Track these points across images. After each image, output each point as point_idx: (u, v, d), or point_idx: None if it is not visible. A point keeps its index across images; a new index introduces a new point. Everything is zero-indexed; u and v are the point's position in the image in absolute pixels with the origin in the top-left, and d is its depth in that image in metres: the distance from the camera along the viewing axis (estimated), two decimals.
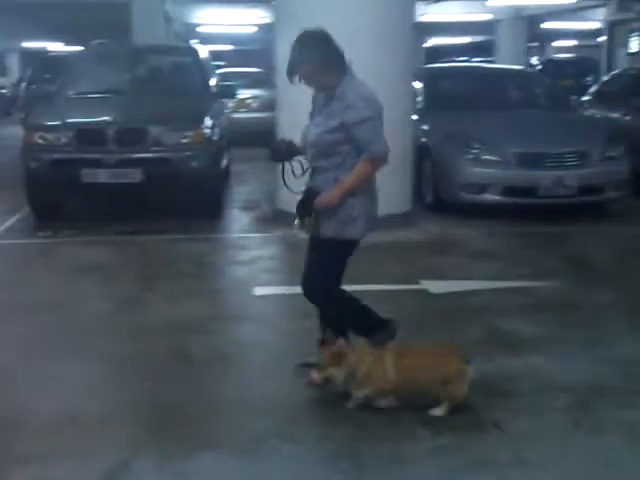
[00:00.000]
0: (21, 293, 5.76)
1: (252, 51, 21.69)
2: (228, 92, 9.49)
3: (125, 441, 3.51)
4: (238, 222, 8.32)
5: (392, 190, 7.53)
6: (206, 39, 21.02)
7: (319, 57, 3.71)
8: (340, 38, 7.21)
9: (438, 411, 3.62)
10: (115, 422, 3.70)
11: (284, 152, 3.98)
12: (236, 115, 12.65)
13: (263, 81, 15.23)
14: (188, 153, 7.76)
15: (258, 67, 17.56)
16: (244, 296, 5.64)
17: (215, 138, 8.30)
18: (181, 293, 5.70)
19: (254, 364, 4.48)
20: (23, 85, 17.62)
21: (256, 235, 7.60)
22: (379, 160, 3.75)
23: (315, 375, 3.64)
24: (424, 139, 8.61)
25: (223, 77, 11.90)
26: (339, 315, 4.02)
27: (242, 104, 13.34)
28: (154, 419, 3.74)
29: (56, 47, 29.91)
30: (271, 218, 8.04)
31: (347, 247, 3.87)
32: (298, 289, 5.56)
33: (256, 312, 5.37)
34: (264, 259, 6.74)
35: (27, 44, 34.79)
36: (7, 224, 8.19)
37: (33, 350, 4.61)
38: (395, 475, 3.24)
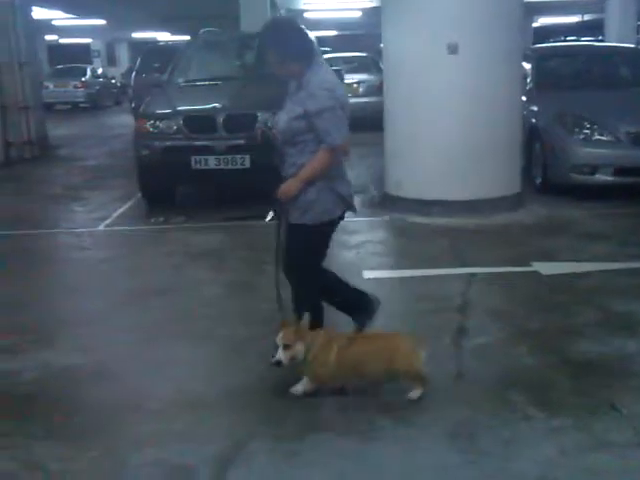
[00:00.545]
0: (136, 279, 5.98)
1: (356, 36, 21.66)
2: None
3: (239, 423, 3.59)
4: None
5: (501, 172, 7.48)
6: (312, 25, 21.13)
7: (286, 45, 3.74)
8: (449, 19, 7.21)
9: (415, 394, 3.63)
10: (229, 405, 3.79)
11: (259, 140, 4.15)
12: None
13: (369, 66, 15.24)
14: None
15: (362, 52, 17.55)
16: (354, 279, 5.63)
17: None
18: None
19: None
20: (133, 75, 18.23)
21: (364, 219, 7.62)
22: (336, 150, 3.76)
23: (282, 355, 3.66)
24: (534, 120, 8.48)
25: (328, 63, 11.97)
26: (309, 293, 4.05)
27: (348, 89, 13.38)
28: (266, 402, 3.80)
29: (164, 37, 30.79)
30: (379, 202, 8.07)
31: (312, 232, 3.88)
32: (408, 273, 5.67)
33: None
34: (372, 243, 6.77)
35: (136, 35, 36.04)
36: (120, 211, 8.53)
37: (149, 335, 4.77)
38: (513, 456, 3.22)
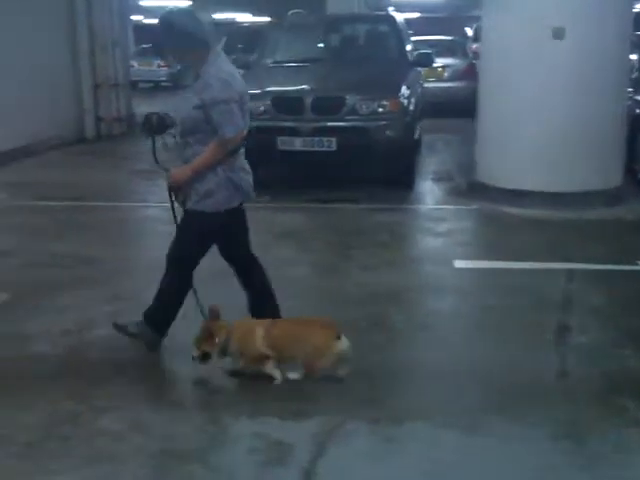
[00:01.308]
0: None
1: (440, 19, 21.35)
2: (425, 60, 9.37)
3: (336, 403, 3.59)
4: (431, 193, 8.27)
5: (602, 164, 7.20)
6: (396, 7, 20.88)
7: (183, 36, 3.78)
8: (554, 1, 6.95)
9: (294, 375, 3.72)
10: (325, 385, 3.77)
11: (155, 125, 3.97)
12: (425, 84, 12.53)
13: (454, 50, 14.97)
14: (383, 122, 7.78)
15: (446, 35, 17.24)
16: (443, 268, 5.59)
17: (411, 107, 8.25)
18: (378, 262, 5.74)
19: (456, 336, 4.45)
20: None
21: (451, 207, 7.50)
22: (228, 143, 3.77)
23: (194, 352, 3.75)
24: (638, 110, 8.13)
25: (413, 45, 11.81)
26: (167, 287, 4.08)
27: (433, 73, 13.18)
28: (363, 385, 3.78)
29: (245, 18, 30.95)
30: (466, 190, 7.92)
31: (208, 220, 3.90)
32: (501, 264, 5.52)
33: (456, 285, 5.32)
34: (461, 232, 6.66)
35: (217, 16, 36.35)
36: None
37: (235, 313, 4.76)
38: (626, 463, 3.11)
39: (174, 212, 4.04)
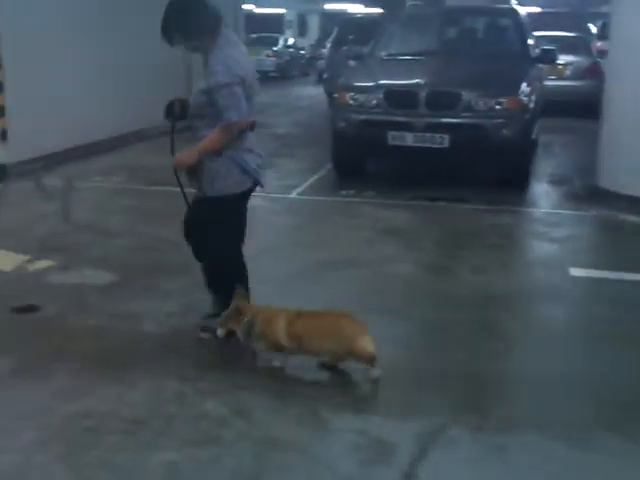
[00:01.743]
0: (325, 248, 6.07)
1: (561, 14, 20.73)
2: (548, 57, 9.13)
3: (439, 407, 3.56)
4: (547, 197, 8.07)
5: None
6: (518, 0, 20.37)
7: (191, 21, 3.83)
8: None
9: (374, 373, 3.73)
10: (427, 386, 3.77)
11: (176, 112, 4.07)
12: (545, 82, 12.25)
13: (577, 47, 14.53)
14: (500, 120, 7.65)
15: (568, 31, 16.73)
16: (558, 275, 5.45)
17: (530, 106, 8.06)
18: (489, 265, 5.65)
19: (569, 346, 4.34)
20: (328, 46, 18.45)
21: (568, 212, 7.31)
22: (232, 127, 3.83)
23: (219, 331, 3.86)
24: None
25: (534, 41, 11.54)
26: (213, 268, 4.19)
27: (553, 70, 12.84)
28: (467, 389, 3.75)
29: (356, 9, 30.99)
30: (585, 195, 7.69)
31: (222, 203, 3.97)
32: (617, 274, 5.34)
33: (571, 293, 5.19)
34: (579, 238, 6.48)
35: (328, 6, 36.57)
36: (310, 180, 8.70)
37: (342, 305, 4.77)
38: None
39: (184, 193, 4.18)
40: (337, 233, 6.57)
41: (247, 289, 4.15)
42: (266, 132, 12.95)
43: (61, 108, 9.29)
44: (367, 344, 3.73)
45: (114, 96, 10.62)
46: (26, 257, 5.63)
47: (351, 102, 8.22)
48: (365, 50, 9.66)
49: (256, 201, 7.74)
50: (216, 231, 4.04)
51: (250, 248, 6.18)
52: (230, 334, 3.90)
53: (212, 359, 4.02)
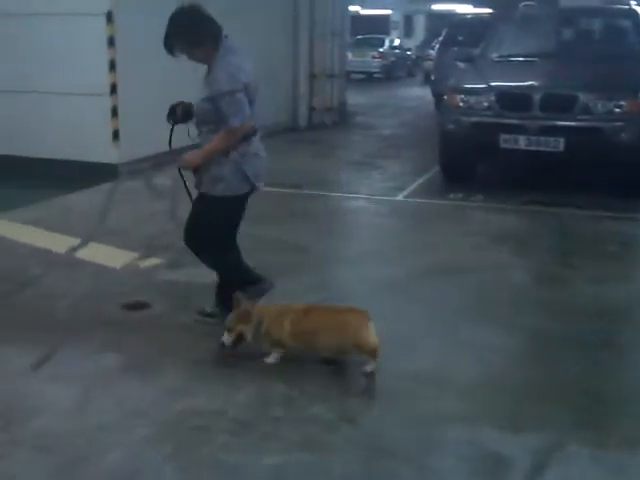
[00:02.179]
0: (433, 253, 5.99)
1: None
2: None
3: (556, 421, 3.45)
4: None
5: None
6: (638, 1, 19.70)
7: (192, 33, 4.07)
8: None
9: (370, 367, 3.78)
10: (542, 399, 3.66)
11: (179, 115, 4.32)
12: None
13: None
14: (619, 124, 7.38)
15: None
16: None
17: None
18: (607, 274, 5.45)
19: None
20: (435, 47, 18.30)
21: None
22: (236, 132, 4.05)
23: (226, 337, 3.91)
24: None
25: None
26: (215, 264, 4.44)
27: None
28: (586, 404, 3.62)
29: (465, 9, 30.63)
30: None
31: (222, 203, 4.21)
32: None
33: None
34: None
35: (436, 6, 36.33)
36: (417, 182, 8.64)
37: (448, 312, 4.77)
38: None
39: (188, 190, 4.40)
40: (444, 238, 6.47)
41: (256, 282, 4.40)
42: (372, 133, 13.01)
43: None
44: (372, 337, 3.77)
45: None
46: (135, 255, 5.79)
47: (461, 104, 8.11)
48: (475, 52, 9.52)
49: (361, 202, 7.84)
50: (213, 227, 4.29)
51: (353, 250, 6.25)
52: (239, 339, 3.94)
53: (319, 364, 4.00)
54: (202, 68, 4.23)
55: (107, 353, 4.06)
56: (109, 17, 8.32)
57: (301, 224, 6.90)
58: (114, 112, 8.60)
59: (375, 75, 26.10)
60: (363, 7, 32.30)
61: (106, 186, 8.19)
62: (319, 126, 13.43)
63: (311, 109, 13.54)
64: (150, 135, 9.03)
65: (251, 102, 4.11)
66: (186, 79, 9.73)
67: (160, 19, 4.32)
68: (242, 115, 4.05)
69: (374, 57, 25.80)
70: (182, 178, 4.42)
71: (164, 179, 8.52)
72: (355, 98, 17.49)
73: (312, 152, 10.94)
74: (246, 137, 4.14)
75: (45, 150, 8.59)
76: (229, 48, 4.15)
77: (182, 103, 4.35)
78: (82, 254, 5.83)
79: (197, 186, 4.32)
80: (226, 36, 4.18)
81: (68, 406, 3.52)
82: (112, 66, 8.46)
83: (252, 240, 6.25)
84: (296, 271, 5.46)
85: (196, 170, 4.24)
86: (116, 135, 8.66)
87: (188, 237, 4.39)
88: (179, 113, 4.34)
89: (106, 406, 3.52)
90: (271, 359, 3.94)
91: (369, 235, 6.80)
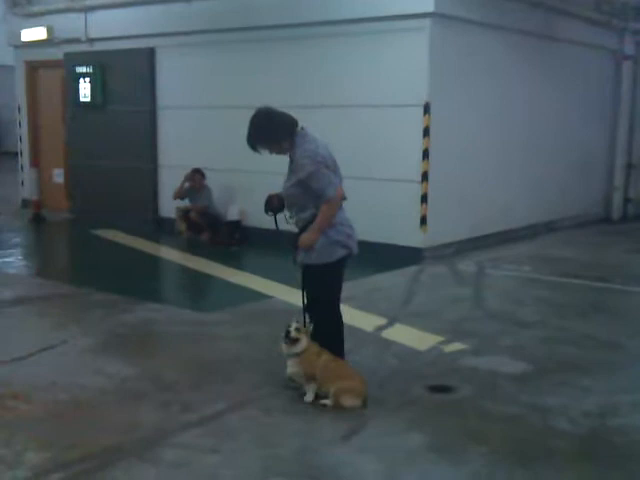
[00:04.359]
0: None
1: None
2: None
3: None
4: None
5: None
6: None
7: (270, 132, 4.71)
8: None
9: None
10: None
11: (276, 205, 4.92)
12: None
13: None
14: None
15: None
16: None
17: None
18: None
19: None
20: None
21: None
22: (333, 201, 4.65)
23: (293, 331, 4.67)
24: None
25: None
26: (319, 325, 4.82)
27: None
28: None
29: None
30: None
31: (317, 269, 4.75)
32: None
33: None
34: None
35: None
36: None
37: None
38: None
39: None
40: None
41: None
42: None
43: (476, 195, 9.79)
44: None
45: (531, 186, 10.89)
46: (440, 338, 5.96)
47: None
48: None
49: None
50: (316, 291, 4.82)
51: None
52: (294, 340, 4.61)
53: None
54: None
55: (412, 432, 4.21)
56: (426, 109, 8.84)
57: (612, 320, 6.66)
58: (424, 199, 9.00)
59: None
60: None
61: (412, 269, 8.55)
62: (634, 218, 12.98)
63: (626, 200, 13.14)
64: (454, 221, 9.36)
65: (337, 175, 4.73)
66: (492, 162, 10.01)
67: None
68: (333, 185, 4.65)
69: None
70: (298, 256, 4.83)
71: (466, 265, 8.73)
72: None
73: (625, 246, 10.52)
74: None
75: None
76: (304, 137, 4.72)
77: (276, 195, 4.93)
78: (388, 334, 6.13)
79: (294, 261, 4.85)
80: (302, 128, 4.76)
81: (374, 478, 3.71)
82: (425, 155, 8.93)
83: (554, 331, 6.20)
84: (604, 369, 5.29)
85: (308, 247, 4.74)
86: (423, 220, 9.03)
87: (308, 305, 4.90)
88: (276, 203, 4.92)
89: None
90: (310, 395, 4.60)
91: None
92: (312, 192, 4.63)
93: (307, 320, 4.84)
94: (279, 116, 4.78)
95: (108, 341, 5.85)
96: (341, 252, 4.77)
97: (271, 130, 4.72)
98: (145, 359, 5.46)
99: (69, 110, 12.50)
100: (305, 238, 4.72)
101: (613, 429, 4.29)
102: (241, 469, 3.76)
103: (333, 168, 4.73)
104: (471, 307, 7.03)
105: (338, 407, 4.50)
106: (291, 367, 4.68)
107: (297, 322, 4.72)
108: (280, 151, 4.80)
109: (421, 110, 8.84)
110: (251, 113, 4.79)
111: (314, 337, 4.72)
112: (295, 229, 4.84)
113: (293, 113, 4.80)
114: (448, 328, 6.25)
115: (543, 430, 4.28)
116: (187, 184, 10.63)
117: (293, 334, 4.63)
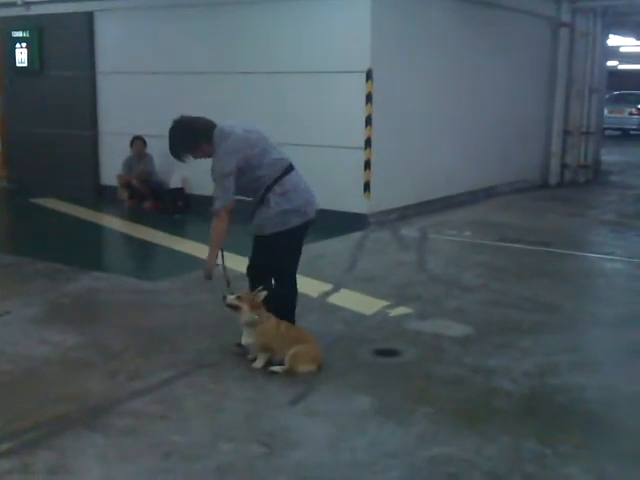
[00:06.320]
0: None
1: None
2: None
3: None
4: None
5: None
6: None
7: (190, 140, 4.71)
8: None
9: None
10: None
11: None
12: None
13: None
14: None
15: None
16: None
17: None
18: None
19: None
20: None
21: None
22: (218, 214, 4.67)
23: (230, 298, 4.67)
24: None
25: None
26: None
27: None
28: None
29: None
30: None
31: (272, 239, 4.74)
32: None
33: None
34: None
35: None
36: None
37: None
38: None
39: (227, 277, 4.80)
40: None
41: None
42: (629, 193, 12.55)
43: (419, 162, 9.87)
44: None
45: (473, 152, 11.01)
46: (385, 303, 6.03)
47: None
48: None
49: (617, 265, 7.58)
50: (275, 263, 4.80)
51: (609, 313, 6.05)
52: (234, 307, 4.61)
53: (572, 423, 3.96)
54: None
55: (360, 395, 4.27)
56: (369, 75, 8.83)
57: (550, 283, 6.81)
58: (367, 165, 9.04)
59: (632, 132, 25.06)
60: (621, 62, 31.21)
61: (356, 235, 8.61)
62: (571, 184, 13.24)
63: (563, 166, 13.38)
64: (397, 187, 9.43)
65: (265, 152, 4.68)
66: (435, 129, 10.10)
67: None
68: (223, 199, 4.61)
69: (632, 114, 24.83)
70: (222, 264, 4.81)
71: (410, 231, 8.82)
72: (610, 156, 16.98)
73: (563, 210, 10.75)
74: (277, 180, 4.67)
75: None
76: (220, 136, 4.66)
77: None
78: (334, 299, 6.17)
79: (253, 233, 4.82)
80: (215, 126, 4.70)
81: (323, 441, 3.76)
82: (368, 122, 8.94)
83: (495, 295, 6.33)
84: (544, 331, 5.43)
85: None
86: (367, 187, 9.08)
87: (251, 272, 4.89)
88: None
89: (359, 445, 3.71)
90: (261, 361, 4.59)
91: (628, 299, 6.54)
92: (242, 179, 4.65)
93: (259, 287, 4.78)
94: (195, 122, 4.79)
95: (52, 310, 5.78)
96: (296, 220, 4.74)
97: (191, 138, 4.72)
98: (91, 328, 5.40)
99: (5, 76, 12.16)
100: (208, 265, 4.75)
101: (553, 388, 4.41)
102: (191, 435, 3.77)
103: (260, 146, 4.70)
104: (415, 272, 7.12)
105: (292, 372, 4.52)
106: (247, 337, 4.66)
107: (238, 291, 4.73)
108: (204, 155, 4.78)
109: (363, 76, 8.84)
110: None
111: (266, 303, 4.71)
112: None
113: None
114: (393, 293, 6.33)
115: (486, 391, 4.38)
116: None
117: (229, 300, 4.61)
